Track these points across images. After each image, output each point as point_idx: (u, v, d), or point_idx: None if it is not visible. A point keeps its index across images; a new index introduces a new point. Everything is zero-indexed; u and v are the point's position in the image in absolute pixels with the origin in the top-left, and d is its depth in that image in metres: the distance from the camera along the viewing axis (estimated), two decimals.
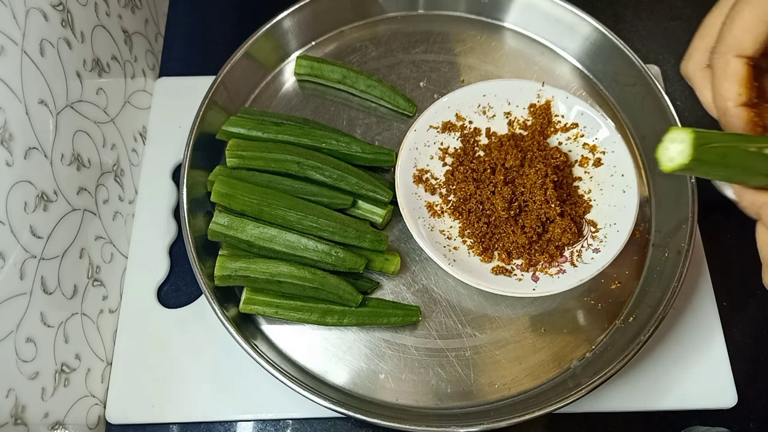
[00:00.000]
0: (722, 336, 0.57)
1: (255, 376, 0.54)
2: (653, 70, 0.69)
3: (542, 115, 0.60)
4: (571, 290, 0.52)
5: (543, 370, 0.54)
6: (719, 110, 0.36)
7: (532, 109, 0.61)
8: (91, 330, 0.53)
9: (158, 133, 0.66)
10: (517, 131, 0.61)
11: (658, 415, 0.55)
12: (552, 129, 0.60)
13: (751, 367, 0.58)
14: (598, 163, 0.58)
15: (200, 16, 0.75)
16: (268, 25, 0.64)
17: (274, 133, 0.58)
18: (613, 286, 0.57)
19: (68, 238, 0.50)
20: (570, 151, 0.60)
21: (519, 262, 0.55)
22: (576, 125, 0.60)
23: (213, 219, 0.53)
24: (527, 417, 0.48)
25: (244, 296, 0.53)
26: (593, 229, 0.56)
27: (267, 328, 0.55)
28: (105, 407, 0.54)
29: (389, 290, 0.57)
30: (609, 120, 0.58)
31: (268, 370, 0.49)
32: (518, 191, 0.55)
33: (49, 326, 0.46)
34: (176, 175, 0.64)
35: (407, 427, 0.48)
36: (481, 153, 0.60)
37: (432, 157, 0.59)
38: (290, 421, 0.55)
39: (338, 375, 0.53)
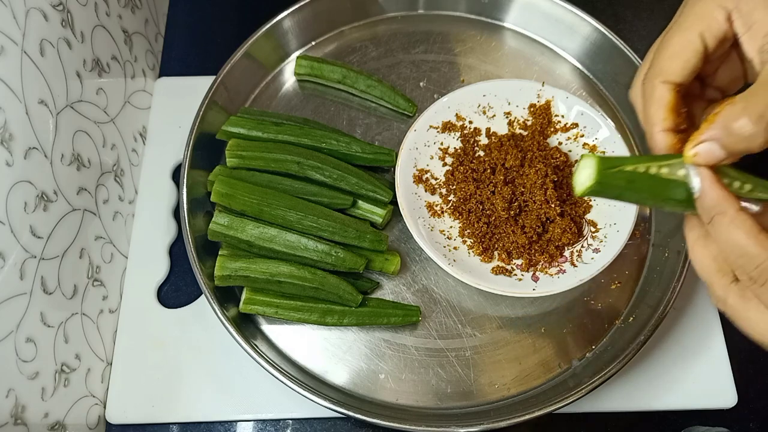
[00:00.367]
0: (722, 336, 0.57)
1: (255, 376, 0.54)
2: None
3: (542, 115, 0.60)
4: (571, 290, 0.52)
5: (543, 370, 0.54)
6: (646, 134, 0.37)
7: (532, 109, 0.61)
8: (91, 330, 0.53)
9: (158, 133, 0.66)
10: (517, 131, 0.61)
11: (658, 415, 0.55)
12: (552, 129, 0.60)
13: (751, 367, 0.58)
14: None
15: (200, 16, 0.75)
16: (268, 25, 0.64)
17: (274, 133, 0.58)
18: (613, 286, 0.57)
19: (68, 238, 0.50)
20: (570, 151, 0.59)
21: (519, 262, 0.55)
22: (576, 125, 0.60)
23: (213, 219, 0.53)
24: (527, 417, 0.48)
25: (244, 296, 0.53)
26: (593, 229, 0.56)
27: (267, 328, 0.55)
28: (105, 407, 0.54)
29: (389, 290, 0.57)
30: (609, 120, 0.58)
31: (268, 370, 0.49)
32: (518, 191, 0.55)
33: (49, 326, 0.46)
34: (176, 175, 0.64)
35: (407, 427, 0.48)
36: (481, 153, 0.60)
37: (432, 157, 0.59)
38: (290, 421, 0.55)
39: (338, 375, 0.53)
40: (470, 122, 0.61)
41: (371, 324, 0.54)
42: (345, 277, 0.54)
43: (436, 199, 0.58)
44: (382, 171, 0.61)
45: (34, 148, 0.45)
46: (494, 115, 0.61)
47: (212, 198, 0.54)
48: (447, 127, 0.60)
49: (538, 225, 0.54)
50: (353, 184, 0.56)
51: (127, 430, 0.54)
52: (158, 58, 0.71)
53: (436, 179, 0.59)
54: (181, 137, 0.58)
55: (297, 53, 0.67)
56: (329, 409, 0.48)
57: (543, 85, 0.60)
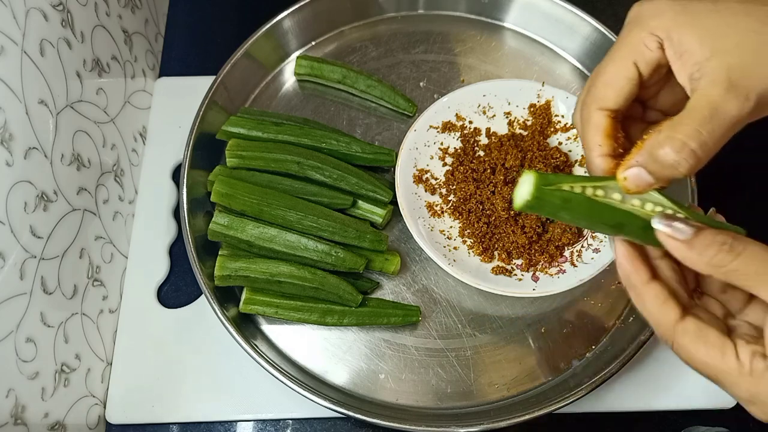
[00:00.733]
0: None
1: (255, 376, 0.54)
2: None
3: (542, 115, 0.60)
4: (571, 290, 0.52)
5: (543, 370, 0.54)
6: (585, 159, 0.38)
7: (532, 109, 0.61)
8: (91, 330, 0.53)
9: (158, 133, 0.66)
10: (517, 131, 0.61)
11: (658, 415, 0.55)
12: (552, 129, 0.60)
13: None
14: None
15: (200, 16, 0.75)
16: (268, 25, 0.64)
17: (274, 133, 0.58)
18: (613, 286, 0.57)
19: (68, 238, 0.50)
20: (570, 151, 0.59)
21: (519, 262, 0.55)
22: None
23: (213, 219, 0.53)
24: (527, 417, 0.48)
25: (244, 296, 0.53)
26: None
27: (267, 328, 0.55)
28: (105, 407, 0.54)
29: (389, 290, 0.57)
30: None
31: (268, 370, 0.49)
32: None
33: (49, 326, 0.46)
34: (176, 175, 0.64)
35: (407, 427, 0.48)
36: (481, 153, 0.60)
37: (432, 157, 0.59)
38: (290, 421, 0.55)
39: (338, 375, 0.53)
40: (470, 122, 0.61)
41: (371, 324, 0.54)
42: (345, 277, 0.54)
43: (436, 199, 0.58)
44: (382, 171, 0.61)
45: (34, 148, 0.45)
46: (494, 115, 0.61)
47: (212, 198, 0.54)
48: (447, 127, 0.60)
49: (538, 225, 0.54)
50: (353, 184, 0.56)
51: (127, 430, 0.54)
52: (158, 58, 0.71)
53: (436, 179, 0.58)
54: (181, 137, 0.58)
55: (297, 53, 0.67)
56: (329, 409, 0.48)
57: (543, 85, 0.60)
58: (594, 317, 0.56)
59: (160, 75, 0.70)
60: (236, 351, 0.51)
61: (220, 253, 0.53)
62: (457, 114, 0.61)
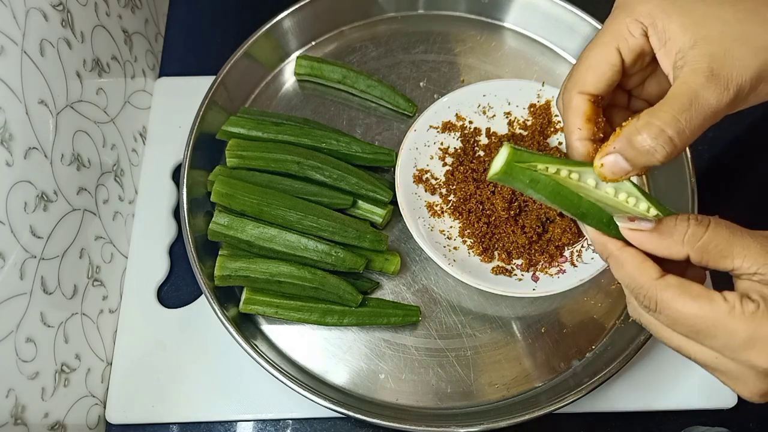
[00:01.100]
0: None
1: (255, 376, 0.54)
2: None
3: (542, 115, 0.60)
4: (571, 290, 0.52)
5: (543, 369, 0.54)
6: (566, 142, 0.38)
7: (532, 109, 0.61)
8: (91, 330, 0.53)
9: (158, 133, 0.66)
10: (517, 131, 0.61)
11: (658, 415, 0.55)
12: (552, 129, 0.60)
13: None
14: None
15: (200, 16, 0.75)
16: (268, 25, 0.64)
17: (274, 133, 0.58)
18: (613, 286, 0.57)
19: (68, 238, 0.50)
20: None
21: (519, 262, 0.55)
22: None
23: (213, 219, 0.53)
24: (527, 417, 0.48)
25: (244, 296, 0.53)
26: None
27: (267, 328, 0.55)
28: (105, 407, 0.54)
29: (389, 290, 0.57)
30: None
31: (268, 370, 0.49)
32: (518, 191, 0.55)
33: (49, 326, 0.46)
34: (176, 175, 0.64)
35: (407, 427, 0.48)
36: (481, 153, 0.60)
37: (432, 157, 0.59)
38: (290, 421, 0.55)
39: (338, 375, 0.53)
40: (470, 122, 0.61)
41: (371, 324, 0.54)
42: (345, 277, 0.54)
43: (436, 199, 0.58)
44: (382, 171, 0.61)
45: (34, 148, 0.45)
46: (494, 115, 0.61)
47: (212, 198, 0.54)
48: (447, 127, 0.60)
49: (538, 225, 0.54)
50: (353, 184, 0.56)
51: (127, 430, 0.54)
52: (158, 58, 0.71)
53: (436, 179, 0.59)
54: (181, 137, 0.58)
55: (297, 53, 0.67)
56: (329, 409, 0.48)
57: (543, 85, 0.60)
58: (594, 317, 0.56)
59: (160, 75, 0.70)
60: (236, 351, 0.51)
61: (220, 253, 0.53)
62: (457, 114, 0.61)
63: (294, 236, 0.53)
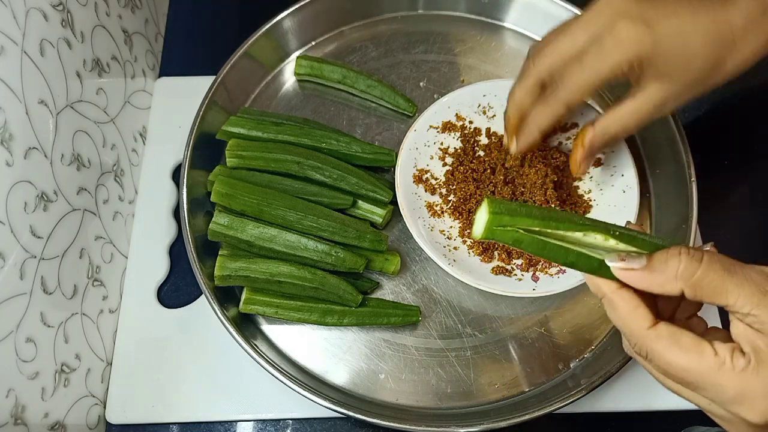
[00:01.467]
0: None
1: (255, 376, 0.54)
2: None
3: None
4: (571, 290, 0.52)
5: (543, 370, 0.54)
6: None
7: None
8: (91, 330, 0.53)
9: (158, 133, 0.66)
10: None
11: (658, 415, 0.55)
12: (552, 129, 0.60)
13: None
14: (598, 163, 0.58)
15: (200, 16, 0.75)
16: (268, 25, 0.64)
17: (274, 133, 0.58)
18: None
19: (68, 238, 0.50)
20: (570, 151, 0.59)
21: (519, 262, 0.55)
22: (576, 125, 0.60)
23: (213, 219, 0.53)
24: (527, 417, 0.48)
25: (244, 296, 0.53)
26: None
27: (267, 328, 0.55)
28: (105, 407, 0.54)
29: (389, 290, 0.57)
30: None
31: (268, 370, 0.49)
32: (518, 191, 0.55)
33: (49, 326, 0.46)
34: (176, 175, 0.64)
35: (407, 427, 0.48)
36: (481, 153, 0.60)
37: (432, 157, 0.59)
38: (290, 421, 0.55)
39: (338, 375, 0.53)
40: (470, 122, 0.61)
41: (371, 324, 0.54)
42: (345, 277, 0.54)
43: (436, 199, 0.58)
44: (382, 171, 0.61)
45: (34, 148, 0.45)
46: (494, 115, 0.61)
47: (212, 198, 0.54)
48: (447, 127, 0.60)
49: None
50: (353, 184, 0.56)
51: (127, 430, 0.54)
52: (158, 58, 0.71)
53: (436, 179, 0.58)
54: (181, 137, 0.58)
55: (297, 53, 0.67)
56: (329, 409, 0.48)
57: None
58: (594, 317, 0.56)
59: (160, 75, 0.70)
60: (236, 351, 0.51)
61: (220, 253, 0.53)
62: (457, 114, 0.61)
63: (294, 236, 0.53)
